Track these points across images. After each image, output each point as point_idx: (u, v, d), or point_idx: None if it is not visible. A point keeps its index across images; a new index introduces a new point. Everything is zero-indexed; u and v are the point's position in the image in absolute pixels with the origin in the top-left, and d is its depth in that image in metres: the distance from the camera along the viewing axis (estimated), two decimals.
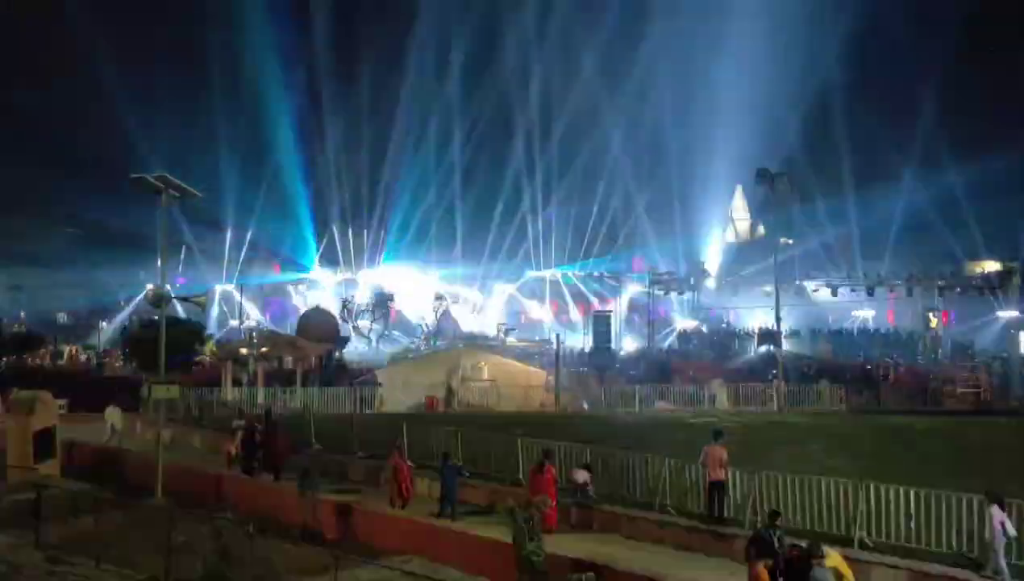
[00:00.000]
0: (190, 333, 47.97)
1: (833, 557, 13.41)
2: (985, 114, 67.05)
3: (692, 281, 56.47)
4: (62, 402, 32.68)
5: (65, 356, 60.24)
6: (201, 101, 78.92)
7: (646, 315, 63.46)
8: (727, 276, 67.01)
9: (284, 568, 16.49)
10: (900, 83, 77.31)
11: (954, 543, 14.83)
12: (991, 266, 62.50)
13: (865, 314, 68.33)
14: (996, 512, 14.00)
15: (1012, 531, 13.98)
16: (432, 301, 78.54)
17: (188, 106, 76.95)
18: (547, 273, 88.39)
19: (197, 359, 49.75)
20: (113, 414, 30.56)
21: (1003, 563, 13.94)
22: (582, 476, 19.70)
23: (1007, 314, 52.14)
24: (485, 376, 41.09)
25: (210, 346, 54.93)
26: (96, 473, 26.11)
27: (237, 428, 26.59)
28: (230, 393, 37.09)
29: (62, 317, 79.44)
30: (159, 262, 26.29)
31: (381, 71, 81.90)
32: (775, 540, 14.21)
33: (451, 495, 20.05)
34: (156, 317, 30.28)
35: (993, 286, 52.97)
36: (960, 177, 66.48)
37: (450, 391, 38.51)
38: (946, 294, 53.58)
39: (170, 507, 19.03)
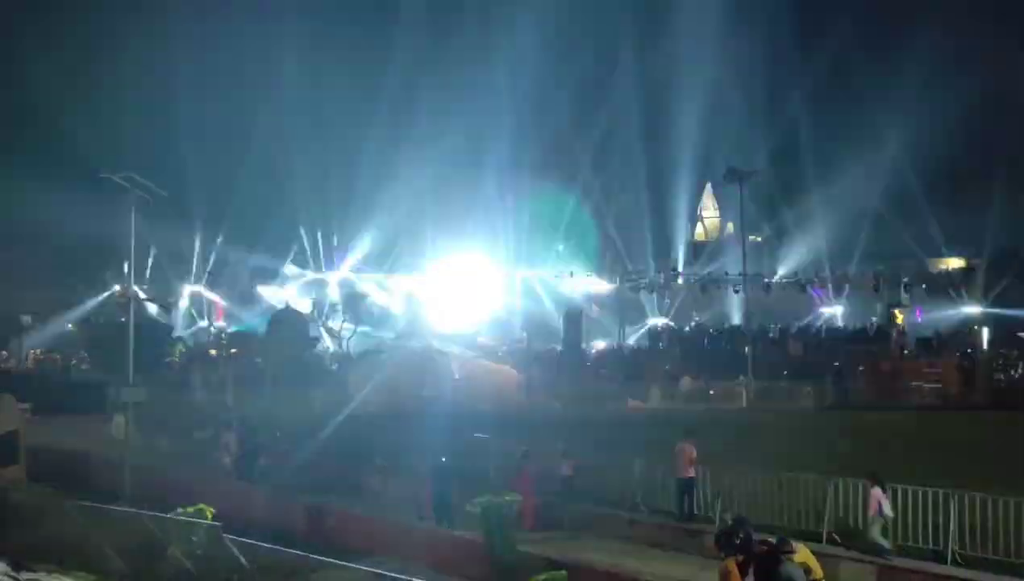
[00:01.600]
0: (158, 334, 47.47)
1: (802, 552, 13.55)
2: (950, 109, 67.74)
3: (662, 279, 56.80)
4: (26, 405, 32.16)
5: (30, 359, 59.22)
6: (168, 95, 77.22)
7: (617, 313, 63.79)
8: (696, 274, 67.50)
9: (255, 569, 16.36)
10: (864, 81, 78.20)
11: (919, 538, 15.05)
12: (955, 263, 63.54)
13: (832, 311, 69.07)
14: (876, 493, 14.89)
15: (888, 511, 14.86)
16: (404, 301, 78.18)
17: (154, 101, 75.12)
18: (517, 272, 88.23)
19: (166, 360, 49.20)
20: (120, 422, 30.18)
21: (879, 539, 14.83)
22: (566, 467, 19.44)
23: (971, 310, 53.02)
24: (457, 376, 41.10)
25: (179, 347, 54.34)
26: (63, 477, 25.70)
27: (223, 431, 26.36)
28: (199, 395, 36.78)
29: (26, 319, 78.12)
30: (127, 263, 25.91)
31: (366, 69, 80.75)
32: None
33: (446, 499, 19.20)
34: (121, 318, 29.88)
35: (957, 283, 53.87)
36: (924, 174, 67.37)
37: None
38: (911, 291, 54.43)
39: (138, 509, 18.80)
